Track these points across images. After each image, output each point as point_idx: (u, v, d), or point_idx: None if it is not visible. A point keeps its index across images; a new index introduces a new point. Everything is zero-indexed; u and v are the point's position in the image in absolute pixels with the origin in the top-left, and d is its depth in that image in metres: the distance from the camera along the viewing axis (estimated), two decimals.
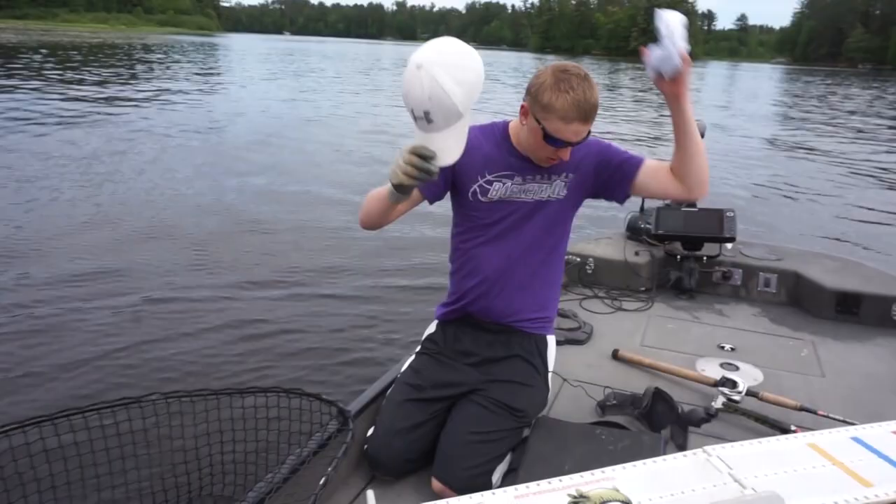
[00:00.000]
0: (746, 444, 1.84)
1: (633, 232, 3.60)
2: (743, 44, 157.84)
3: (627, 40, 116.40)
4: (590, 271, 3.41)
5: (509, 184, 1.98)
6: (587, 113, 1.80)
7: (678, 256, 3.39)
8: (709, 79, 48.17)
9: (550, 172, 1.99)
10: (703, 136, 3.48)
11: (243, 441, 1.80)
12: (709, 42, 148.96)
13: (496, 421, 1.86)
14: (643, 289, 3.35)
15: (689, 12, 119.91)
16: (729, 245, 3.41)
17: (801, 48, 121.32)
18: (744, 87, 40.75)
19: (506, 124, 2.03)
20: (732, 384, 2.25)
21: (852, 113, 23.60)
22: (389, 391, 2.02)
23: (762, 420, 2.09)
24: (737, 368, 2.51)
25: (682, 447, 1.94)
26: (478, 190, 2.00)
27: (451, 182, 2.01)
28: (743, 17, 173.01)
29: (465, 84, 1.48)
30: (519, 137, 1.98)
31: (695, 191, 1.93)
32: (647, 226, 3.44)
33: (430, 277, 5.12)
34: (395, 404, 1.94)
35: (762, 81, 48.31)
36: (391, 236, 6.14)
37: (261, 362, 3.76)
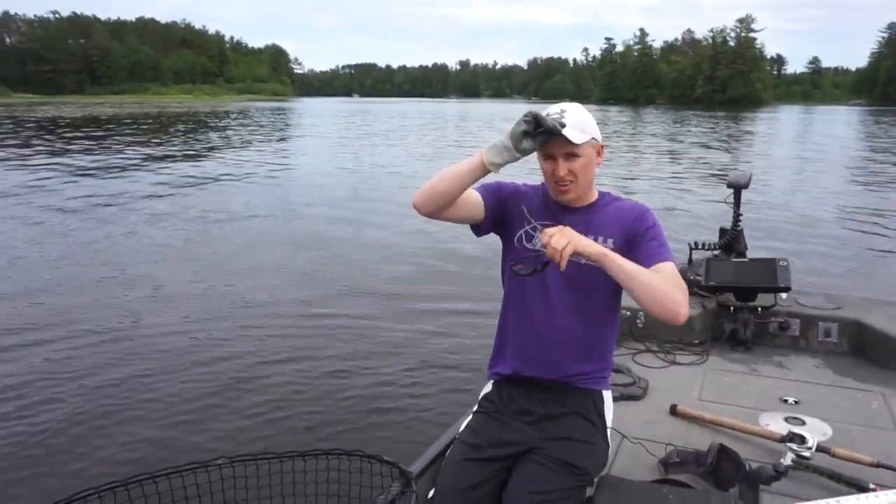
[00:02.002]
0: (823, 503, 1.76)
1: None
2: (816, 87, 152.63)
3: (693, 88, 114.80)
4: (640, 325, 3.35)
5: None
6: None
7: (731, 307, 3.31)
8: (778, 124, 47.09)
9: (588, 230, 1.93)
10: (746, 187, 3.47)
11: None
12: (779, 87, 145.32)
13: (558, 480, 1.83)
14: (697, 342, 3.27)
15: (758, 57, 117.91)
16: (784, 294, 3.31)
17: (881, 88, 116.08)
18: (815, 130, 39.69)
19: None
20: (801, 439, 2.16)
21: None
22: (449, 451, 2.02)
23: (836, 478, 2.01)
24: (803, 423, 2.39)
25: None
26: (523, 235, 2.03)
27: (501, 217, 2.05)
28: (815, 60, 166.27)
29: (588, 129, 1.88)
30: None
31: (657, 314, 1.80)
32: (697, 277, 3.37)
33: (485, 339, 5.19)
34: (455, 464, 1.94)
35: (835, 124, 46.85)
36: (445, 291, 6.35)
37: (324, 424, 3.90)
